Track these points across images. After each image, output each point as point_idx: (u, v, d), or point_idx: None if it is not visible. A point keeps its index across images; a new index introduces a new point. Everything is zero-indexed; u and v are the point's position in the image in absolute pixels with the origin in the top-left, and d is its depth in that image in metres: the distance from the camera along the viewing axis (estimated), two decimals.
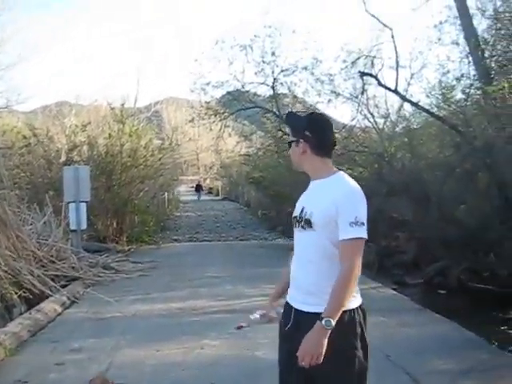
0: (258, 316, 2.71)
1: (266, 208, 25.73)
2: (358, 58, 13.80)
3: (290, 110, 15.20)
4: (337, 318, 2.21)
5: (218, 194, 48.14)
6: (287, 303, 2.52)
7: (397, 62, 13.59)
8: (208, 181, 52.17)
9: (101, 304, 7.41)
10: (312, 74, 13.36)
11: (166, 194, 26.77)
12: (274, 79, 13.53)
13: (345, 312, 2.28)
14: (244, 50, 13.46)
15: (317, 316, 2.23)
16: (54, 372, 4.74)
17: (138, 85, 35.67)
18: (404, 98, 13.92)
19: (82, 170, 10.77)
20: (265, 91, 14.11)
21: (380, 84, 13.98)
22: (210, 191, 51.49)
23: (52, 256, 9.01)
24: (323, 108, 17.80)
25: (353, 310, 2.34)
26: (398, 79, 13.70)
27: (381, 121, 16.20)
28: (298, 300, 2.44)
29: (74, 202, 10.43)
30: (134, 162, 15.92)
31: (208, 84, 13.60)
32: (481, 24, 13.29)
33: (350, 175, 2.54)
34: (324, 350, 2.20)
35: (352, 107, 15.81)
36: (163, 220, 21.69)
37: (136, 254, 13.43)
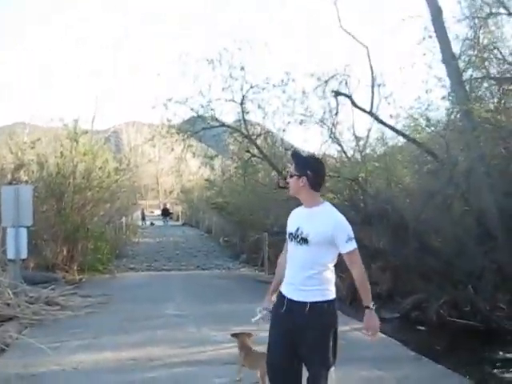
0: (263, 310, 3.61)
1: (229, 235, 24.65)
2: (333, 77, 12.99)
3: (258, 131, 14.31)
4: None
5: (177, 220, 46.83)
6: (281, 293, 3.50)
7: (372, 81, 12.85)
8: (168, 205, 50.57)
9: (36, 352, 6.01)
10: (283, 92, 12.37)
11: (124, 218, 25.31)
12: (243, 96, 12.47)
13: (325, 302, 3.36)
14: (211, 64, 12.36)
15: (303, 303, 3.33)
16: None
17: (96, 104, 33.30)
18: (379, 121, 13.15)
19: (24, 190, 9.34)
20: (232, 109, 13.05)
21: (354, 105, 13.18)
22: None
23: None
24: (294, 129, 16.94)
25: (332, 300, 3.39)
26: (374, 100, 12.99)
27: (351, 145, 15.39)
28: (291, 293, 3.41)
29: (12, 226, 9.04)
30: (88, 183, 14.64)
31: (170, 100, 12.42)
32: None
33: None
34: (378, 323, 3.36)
35: (321, 130, 14.96)
36: (119, 247, 20.26)
37: (87, 284, 12.05)
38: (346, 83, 13.31)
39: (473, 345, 8.62)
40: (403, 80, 12.93)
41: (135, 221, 34.19)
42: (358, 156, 15.45)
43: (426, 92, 11.90)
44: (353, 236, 3.33)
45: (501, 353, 8.27)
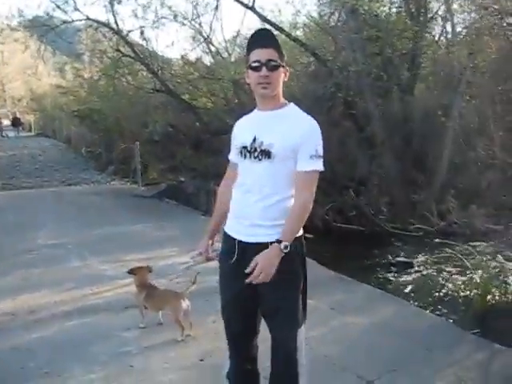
0: (196, 256, 2.69)
1: (91, 145, 22.77)
2: None
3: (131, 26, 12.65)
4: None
5: (30, 130, 43.11)
6: (229, 236, 2.53)
7: None
8: (17, 114, 45.97)
9: None
10: None
11: None
12: None
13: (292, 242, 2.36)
14: None
15: (264, 246, 2.34)
16: None
17: None
18: (262, 17, 12.08)
19: None
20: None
21: None
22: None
23: None
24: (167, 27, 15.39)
25: (299, 238, 2.44)
26: None
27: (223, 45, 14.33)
28: (243, 232, 2.46)
29: None
30: None
31: None
32: None
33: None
34: (274, 271, 2.29)
35: (194, 30, 13.67)
36: None
37: None
38: None
39: (361, 250, 8.63)
40: None
41: None
42: (232, 58, 14.53)
43: None
44: (321, 154, 2.40)
45: (390, 256, 8.38)
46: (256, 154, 2.44)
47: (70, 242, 7.30)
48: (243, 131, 2.56)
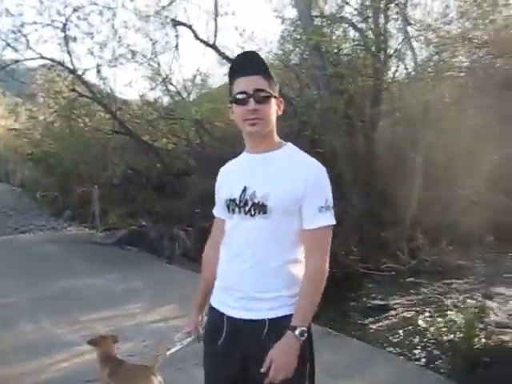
0: (184, 337, 2.20)
1: (47, 189, 21.93)
2: (171, 3, 11.30)
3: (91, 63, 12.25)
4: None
5: None
6: (215, 310, 2.06)
7: (216, 10, 11.44)
8: None
9: None
10: (114, 14, 10.40)
11: None
12: (66, 20, 10.19)
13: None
14: None
15: (258, 323, 1.92)
16: None
17: None
18: (223, 56, 11.84)
19: None
20: (52, 38, 10.72)
21: (197, 37, 11.72)
22: None
23: None
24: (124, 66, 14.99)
25: None
26: (217, 32, 11.62)
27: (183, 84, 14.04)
28: (233, 306, 1.99)
29: None
30: None
31: None
32: None
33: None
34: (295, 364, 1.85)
35: (152, 69, 13.33)
36: None
37: None
38: (185, 10, 11.90)
39: (335, 294, 8.22)
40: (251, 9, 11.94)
41: None
42: (192, 97, 14.29)
43: (282, 22, 10.91)
44: (331, 204, 1.96)
45: (365, 299, 8.13)
46: (247, 208, 1.97)
47: (22, 301, 6.53)
48: (230, 180, 2.09)
